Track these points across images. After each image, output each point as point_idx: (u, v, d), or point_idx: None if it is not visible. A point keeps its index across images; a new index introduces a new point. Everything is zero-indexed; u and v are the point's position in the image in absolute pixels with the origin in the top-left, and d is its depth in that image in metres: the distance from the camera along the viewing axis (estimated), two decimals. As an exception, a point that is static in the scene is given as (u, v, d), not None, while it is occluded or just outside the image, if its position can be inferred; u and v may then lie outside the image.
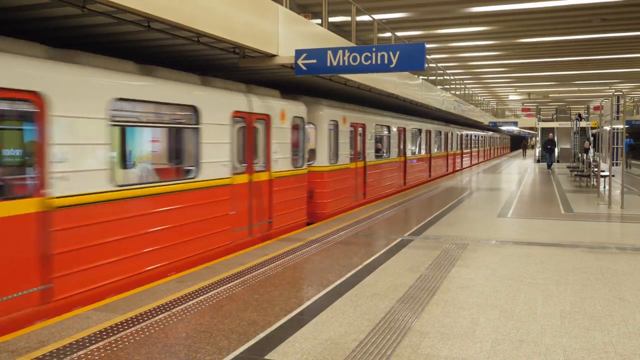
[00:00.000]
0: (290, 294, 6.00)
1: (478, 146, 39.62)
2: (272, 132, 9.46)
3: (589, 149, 29.21)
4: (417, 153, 20.18)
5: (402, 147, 17.74)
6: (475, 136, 38.30)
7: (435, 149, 23.32)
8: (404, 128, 17.93)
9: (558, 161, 29.34)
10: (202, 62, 9.69)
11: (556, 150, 29.29)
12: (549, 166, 29.16)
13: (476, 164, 37.09)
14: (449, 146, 26.83)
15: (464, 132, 32.53)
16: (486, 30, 20.59)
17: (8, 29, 6.81)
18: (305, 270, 7.10)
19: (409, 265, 7.28)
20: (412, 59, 7.71)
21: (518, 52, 25.48)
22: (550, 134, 30.58)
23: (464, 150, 32.38)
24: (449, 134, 26.80)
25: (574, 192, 17.13)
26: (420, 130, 20.45)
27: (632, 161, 30.99)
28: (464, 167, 31.61)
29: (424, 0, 16.35)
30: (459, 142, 29.99)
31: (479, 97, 43.39)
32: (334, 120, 12.11)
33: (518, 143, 73.93)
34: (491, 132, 50.10)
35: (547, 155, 29.88)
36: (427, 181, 21.30)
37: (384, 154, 16.22)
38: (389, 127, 16.26)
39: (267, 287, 6.26)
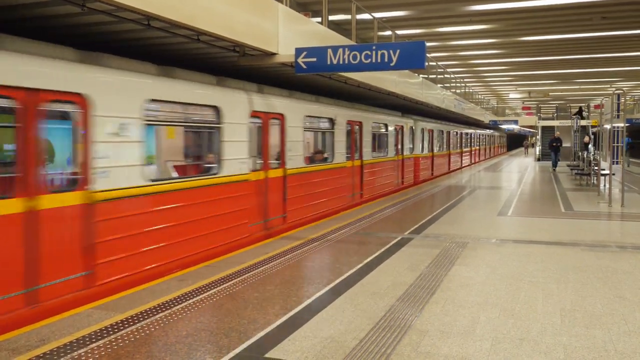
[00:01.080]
0: (290, 292, 6.00)
1: (462, 146, 32.03)
2: None
3: (588, 144, 28.56)
4: (331, 160, 12.55)
5: (288, 150, 10.36)
6: (459, 134, 30.82)
7: (373, 153, 15.44)
8: (306, 117, 10.97)
9: (559, 159, 28.29)
10: (202, 61, 9.68)
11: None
12: (555, 164, 27.46)
13: (459, 169, 30.12)
14: (409, 147, 19.48)
15: (440, 128, 25.16)
16: (486, 29, 20.58)
17: (7, 27, 6.80)
18: (305, 268, 7.10)
19: (408, 264, 7.28)
20: (412, 58, 7.70)
21: (518, 51, 25.45)
22: (557, 132, 29.99)
23: (438, 152, 24.82)
24: (408, 130, 19.28)
25: (574, 191, 17.12)
26: (332, 122, 12.45)
27: (630, 159, 30.94)
28: (436, 175, 23.97)
29: (424, -2, 16.35)
30: (429, 141, 22.67)
31: (480, 96, 43.36)
32: None
33: (517, 142, 74.47)
34: (484, 129, 44.59)
35: (553, 154, 28.00)
36: (352, 205, 13.44)
37: (213, 168, 8.29)
38: (230, 109, 8.37)
39: (267, 285, 6.26)
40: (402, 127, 18.71)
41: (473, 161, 36.99)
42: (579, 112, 33.90)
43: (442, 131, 26.08)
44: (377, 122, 15.93)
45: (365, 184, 14.69)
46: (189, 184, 7.37)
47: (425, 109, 21.37)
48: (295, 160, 10.58)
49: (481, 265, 7.21)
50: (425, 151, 22.11)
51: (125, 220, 6.38)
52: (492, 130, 50.31)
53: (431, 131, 23.22)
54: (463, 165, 32.12)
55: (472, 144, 37.36)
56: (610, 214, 12.14)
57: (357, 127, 14.23)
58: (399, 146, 18.28)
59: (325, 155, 12.94)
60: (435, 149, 24.23)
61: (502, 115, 53.08)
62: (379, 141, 16.57)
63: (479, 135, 41.36)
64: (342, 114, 13.15)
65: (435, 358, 4.23)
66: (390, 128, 17.15)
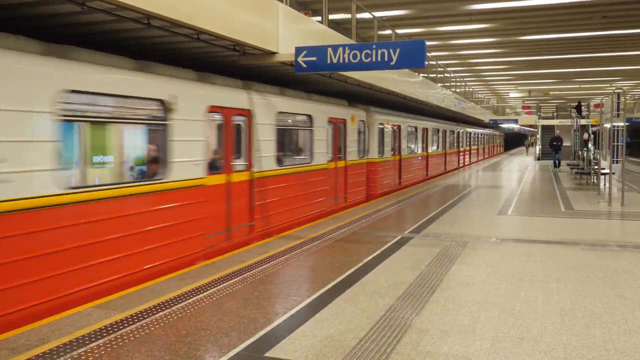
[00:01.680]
0: (290, 291, 6.00)
1: (445, 147, 26.65)
2: None
3: (588, 141, 28.07)
4: (164, 176, 7.11)
5: None
6: (442, 132, 25.77)
7: (283, 160, 10.72)
8: (95, 95, 6.26)
9: (559, 159, 27.88)
10: (202, 60, 9.66)
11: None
12: (556, 165, 26.99)
13: (442, 174, 25.39)
14: (358, 149, 14.44)
15: (411, 124, 19.91)
16: (487, 28, 20.55)
17: (7, 26, 6.79)
18: (306, 268, 7.10)
19: (409, 263, 7.28)
20: (412, 57, 7.70)
21: (518, 50, 25.42)
22: (558, 131, 29.67)
23: (410, 155, 19.61)
24: (356, 126, 14.20)
25: (574, 190, 17.12)
26: (165, 108, 7.13)
27: (629, 158, 30.89)
28: (406, 184, 19.01)
29: (424, -3, 16.32)
30: (394, 140, 17.64)
31: (480, 95, 43.35)
32: None
33: (515, 141, 75.09)
34: (479, 128, 39.92)
35: (554, 153, 27.52)
36: (230, 247, 8.49)
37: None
38: None
39: (268, 284, 6.26)
40: (345, 121, 13.48)
41: (462, 164, 31.72)
42: (578, 107, 33.66)
43: (416, 128, 20.49)
44: (290, 113, 10.91)
45: (260, 210, 9.41)
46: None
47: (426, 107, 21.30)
48: (34, 182, 5.26)
49: (481, 265, 7.21)
50: (387, 154, 16.72)
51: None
52: (490, 130, 46.85)
53: (397, 127, 17.91)
54: (447, 170, 27.05)
55: (460, 144, 31.45)
56: (610, 213, 12.13)
57: (242, 119, 9.04)
58: (340, 148, 13.38)
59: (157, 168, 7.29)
60: (405, 151, 18.95)
61: (502, 115, 53.25)
62: (297, 141, 12.08)
63: (470, 134, 35.52)
64: (194, 96, 7.69)
65: (436, 357, 4.23)
66: (320, 122, 11.95)
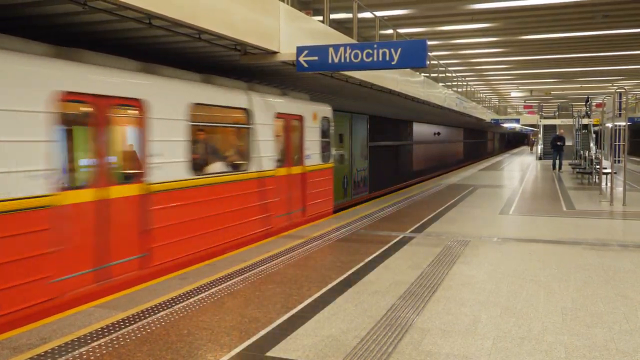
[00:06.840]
0: (292, 291, 6.00)
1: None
2: None
3: (587, 125, 27.22)
4: None
5: None
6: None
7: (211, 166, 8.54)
8: None
9: (557, 159, 26.55)
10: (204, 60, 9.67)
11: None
12: (555, 166, 25.72)
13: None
14: (319, 151, 11.72)
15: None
16: (488, 27, 20.56)
17: (8, 26, 6.80)
18: (307, 267, 7.10)
19: (410, 262, 7.28)
20: (413, 56, 7.70)
21: (520, 49, 25.42)
22: (561, 130, 28.47)
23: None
24: (318, 123, 11.66)
25: (575, 190, 17.10)
26: None
27: (630, 157, 30.77)
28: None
29: (425, -4, 16.33)
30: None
31: (481, 94, 43.31)
32: None
33: (516, 140, 75.60)
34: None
35: (555, 153, 25.84)
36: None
37: None
38: None
39: (269, 284, 6.26)
40: (302, 117, 10.90)
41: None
42: (587, 101, 33.13)
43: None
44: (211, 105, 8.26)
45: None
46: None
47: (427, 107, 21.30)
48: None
49: (483, 264, 7.20)
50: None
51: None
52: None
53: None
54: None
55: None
56: (612, 213, 12.12)
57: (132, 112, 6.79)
58: (292, 151, 10.65)
59: None
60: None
61: (503, 114, 53.37)
62: (221, 142, 9.45)
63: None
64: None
65: (437, 357, 4.23)
66: (260, 118, 9.26)
